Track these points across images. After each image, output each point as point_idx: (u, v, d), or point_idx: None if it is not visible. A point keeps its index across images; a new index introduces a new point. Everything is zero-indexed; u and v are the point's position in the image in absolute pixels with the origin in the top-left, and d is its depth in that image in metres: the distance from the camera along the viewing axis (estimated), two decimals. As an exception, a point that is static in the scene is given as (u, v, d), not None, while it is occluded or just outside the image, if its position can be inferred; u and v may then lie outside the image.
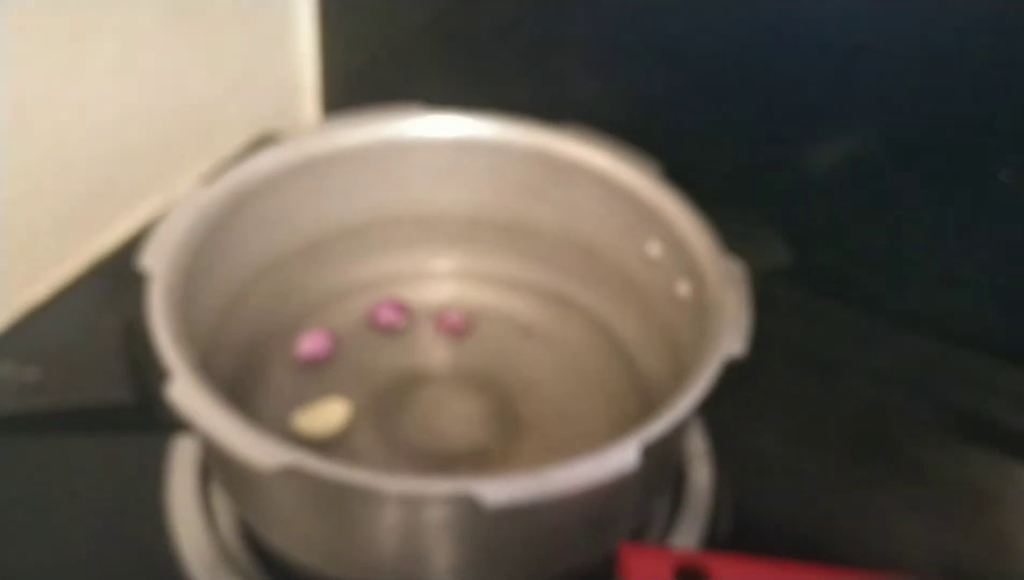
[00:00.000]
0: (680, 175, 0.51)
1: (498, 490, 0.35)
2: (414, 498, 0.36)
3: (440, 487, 0.36)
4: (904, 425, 0.55)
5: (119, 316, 0.49)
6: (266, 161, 0.50)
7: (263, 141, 0.68)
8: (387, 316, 0.55)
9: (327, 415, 0.49)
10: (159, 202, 0.62)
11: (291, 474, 0.36)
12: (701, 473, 0.51)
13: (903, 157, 0.56)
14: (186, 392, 0.38)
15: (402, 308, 0.55)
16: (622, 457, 0.37)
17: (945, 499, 0.52)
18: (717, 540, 0.48)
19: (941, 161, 0.56)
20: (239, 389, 0.49)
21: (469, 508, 0.35)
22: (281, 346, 0.53)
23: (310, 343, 0.52)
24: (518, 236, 0.56)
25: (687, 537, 0.48)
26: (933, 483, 0.52)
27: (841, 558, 0.47)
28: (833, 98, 0.55)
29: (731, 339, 0.42)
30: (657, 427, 0.38)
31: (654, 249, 0.50)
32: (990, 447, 0.55)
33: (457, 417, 0.51)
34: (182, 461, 0.47)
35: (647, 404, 0.51)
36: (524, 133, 0.53)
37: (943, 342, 0.58)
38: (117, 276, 0.56)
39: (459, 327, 0.55)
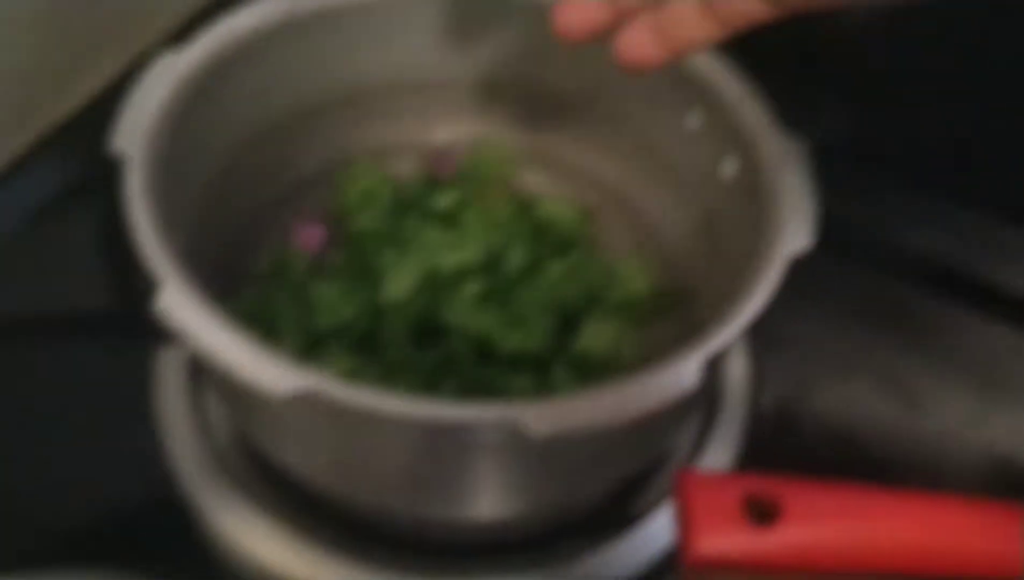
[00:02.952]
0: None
1: (545, 419, 0.31)
2: (450, 426, 0.32)
3: (482, 414, 0.31)
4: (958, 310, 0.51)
5: (90, 204, 0.43)
6: (248, 19, 0.43)
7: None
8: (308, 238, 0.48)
9: None
10: (121, 60, 0.54)
11: (306, 401, 0.31)
12: (736, 365, 0.47)
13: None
14: (179, 304, 0.32)
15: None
16: (683, 375, 0.32)
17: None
18: (759, 436, 0.44)
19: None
20: (227, 282, 0.43)
21: (511, 436, 0.31)
22: (273, 231, 0.47)
23: (306, 236, 0.46)
24: (537, 105, 0.49)
25: (726, 434, 0.44)
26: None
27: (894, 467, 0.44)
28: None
29: (795, 231, 0.37)
30: (720, 339, 0.34)
31: (694, 120, 0.45)
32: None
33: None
34: (170, 370, 0.42)
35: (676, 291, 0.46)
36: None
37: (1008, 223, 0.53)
38: (83, 149, 0.49)
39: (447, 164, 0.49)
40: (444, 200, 0.47)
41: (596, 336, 0.43)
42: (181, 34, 0.56)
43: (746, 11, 0.34)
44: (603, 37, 0.36)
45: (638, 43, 0.35)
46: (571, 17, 0.36)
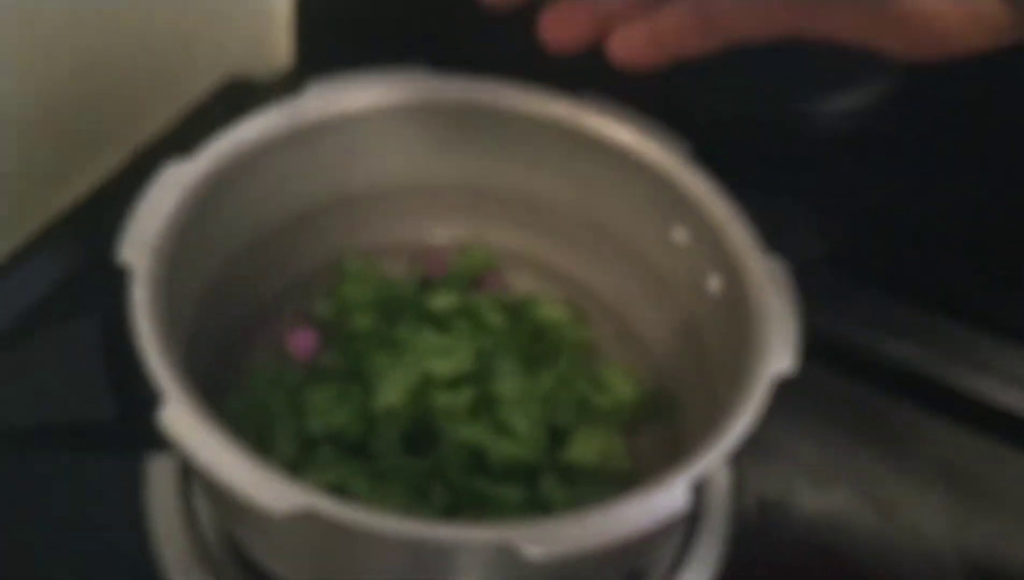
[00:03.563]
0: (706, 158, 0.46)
1: (540, 543, 0.31)
2: (446, 547, 0.32)
3: (477, 536, 0.32)
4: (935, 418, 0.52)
5: (86, 302, 0.44)
6: (252, 130, 0.44)
7: (231, 87, 0.62)
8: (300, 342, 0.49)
9: None
10: (119, 158, 0.56)
11: (304, 518, 0.32)
12: (718, 474, 0.48)
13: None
14: (181, 419, 0.33)
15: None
16: (671, 499, 0.33)
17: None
18: (741, 545, 0.45)
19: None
20: (222, 380, 0.44)
21: (504, 558, 0.32)
22: (265, 333, 0.48)
23: (298, 342, 0.47)
24: (527, 210, 0.51)
25: (709, 543, 0.45)
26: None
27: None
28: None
29: (779, 354, 0.39)
30: (707, 462, 0.35)
31: (680, 235, 0.46)
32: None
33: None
34: (162, 472, 0.43)
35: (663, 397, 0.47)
36: (537, 101, 0.48)
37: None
38: (80, 246, 0.50)
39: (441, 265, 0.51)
40: (439, 302, 0.49)
41: (585, 445, 0.44)
42: (178, 132, 0.57)
43: (739, 25, 0.34)
44: (592, 46, 0.37)
45: (632, 43, 0.36)
46: (558, 26, 0.37)
